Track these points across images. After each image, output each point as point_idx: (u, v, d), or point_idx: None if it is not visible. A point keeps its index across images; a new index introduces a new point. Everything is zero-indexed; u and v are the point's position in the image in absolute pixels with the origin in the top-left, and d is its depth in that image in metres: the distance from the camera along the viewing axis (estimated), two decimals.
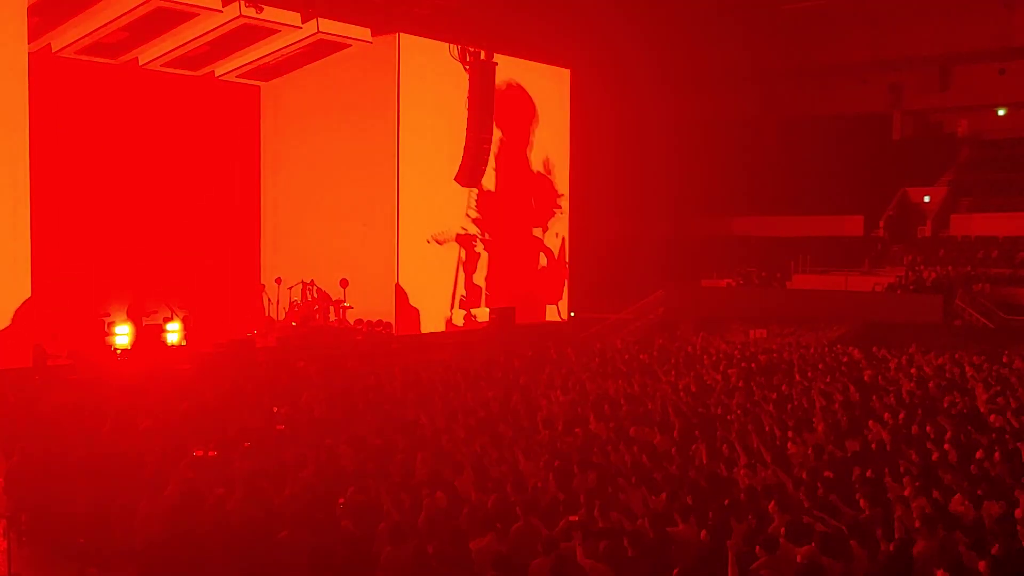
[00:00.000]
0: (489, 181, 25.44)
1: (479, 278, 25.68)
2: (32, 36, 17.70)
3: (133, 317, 19.36)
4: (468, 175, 22.96)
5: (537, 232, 28.01)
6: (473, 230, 25.62)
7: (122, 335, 18.97)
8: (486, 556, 7.24)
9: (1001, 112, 36.73)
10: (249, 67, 23.28)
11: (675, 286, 30.31)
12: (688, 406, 13.58)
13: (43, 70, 18.70)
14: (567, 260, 28.78)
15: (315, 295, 22.16)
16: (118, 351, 18.67)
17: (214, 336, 19.97)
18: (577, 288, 28.86)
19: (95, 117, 20.99)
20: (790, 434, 11.35)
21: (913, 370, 17.64)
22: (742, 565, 6.94)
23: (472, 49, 22.76)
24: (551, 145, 28.12)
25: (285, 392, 14.95)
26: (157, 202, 22.16)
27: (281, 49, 22.52)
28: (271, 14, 20.35)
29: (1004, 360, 19.01)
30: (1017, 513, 8.02)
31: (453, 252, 25.08)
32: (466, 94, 23.37)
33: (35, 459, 10.02)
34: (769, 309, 28.50)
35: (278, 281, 22.26)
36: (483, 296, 25.74)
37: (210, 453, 10.34)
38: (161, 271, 21.48)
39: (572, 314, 28.75)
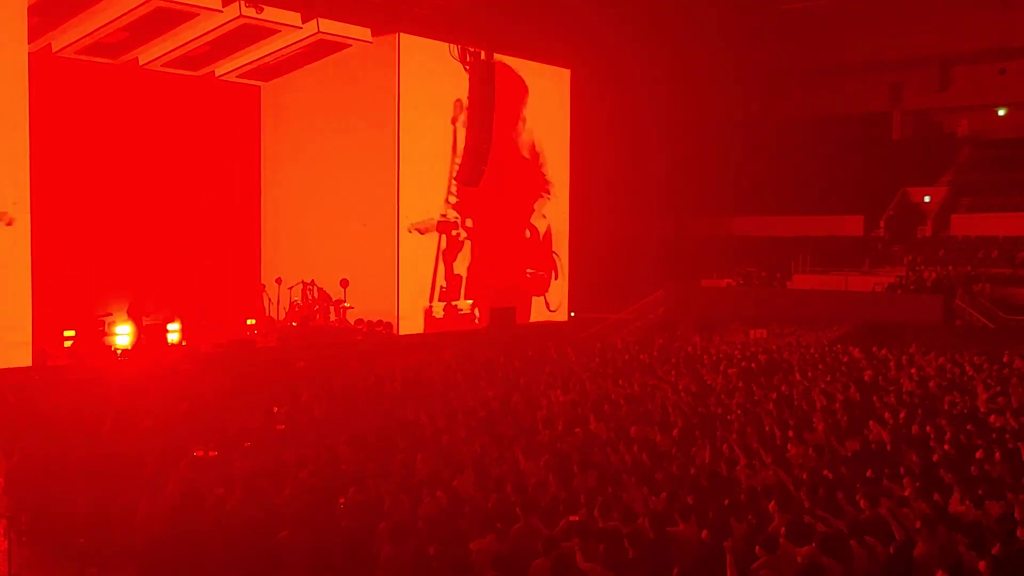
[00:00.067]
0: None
1: (460, 268, 25.16)
2: (32, 36, 17.69)
3: (133, 317, 19.36)
4: (469, 175, 22.95)
5: (524, 220, 27.42)
6: (453, 217, 24.97)
7: (122, 335, 18.97)
8: (486, 556, 7.23)
9: (1001, 112, 36.73)
10: (249, 67, 23.28)
11: (675, 286, 30.32)
12: (688, 406, 13.58)
13: (43, 70, 18.69)
14: (554, 250, 28.22)
15: (315, 295, 22.15)
16: (118, 351, 18.67)
17: (212, 336, 19.97)
18: (577, 288, 28.84)
19: (95, 117, 20.99)
20: (791, 434, 11.35)
21: (913, 370, 17.64)
22: (741, 565, 6.94)
23: (472, 49, 22.76)
24: (551, 145, 28.09)
25: (285, 392, 14.95)
26: (157, 202, 22.15)
27: (281, 49, 22.52)
28: (271, 14, 20.35)
29: (1004, 360, 19.01)
30: (1017, 513, 8.02)
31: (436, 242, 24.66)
32: (466, 94, 23.37)
33: (35, 459, 10.03)
34: (769, 309, 28.51)
35: (278, 281, 22.25)
36: (463, 286, 25.19)
37: (210, 453, 10.35)
38: (161, 271, 21.48)
39: (572, 314, 28.73)
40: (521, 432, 11.82)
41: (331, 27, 21.74)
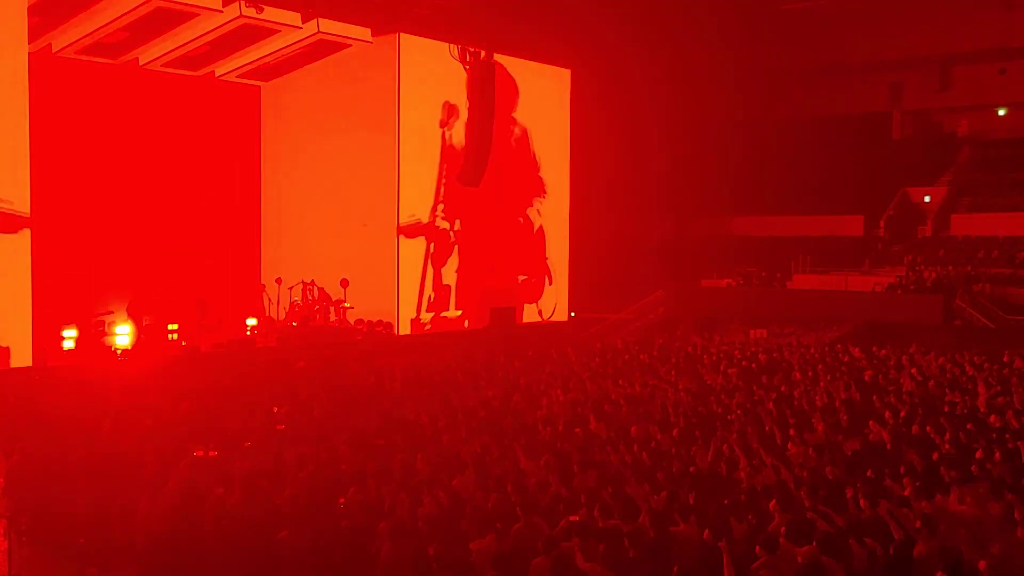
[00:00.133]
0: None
1: (449, 277, 24.81)
2: (32, 36, 17.70)
3: (133, 317, 19.36)
4: (470, 175, 22.95)
5: (517, 224, 27.09)
6: (443, 223, 24.68)
7: (122, 335, 18.97)
8: (486, 556, 7.23)
9: (1001, 112, 36.70)
10: (249, 67, 23.29)
11: (675, 286, 30.31)
12: (688, 406, 13.59)
13: (43, 70, 18.70)
14: (547, 255, 27.98)
15: (315, 295, 22.16)
16: (118, 351, 18.67)
17: (212, 336, 19.97)
18: (577, 288, 28.83)
19: (95, 117, 20.99)
20: (792, 432, 11.35)
21: (913, 370, 17.64)
22: (740, 565, 6.93)
23: (472, 49, 22.76)
24: (551, 145, 28.09)
25: (285, 392, 14.96)
26: (157, 202, 22.16)
27: (281, 49, 22.53)
28: (271, 14, 20.34)
29: (1005, 360, 19.02)
30: (1017, 514, 8.01)
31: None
32: (459, 95, 23.38)
33: (35, 459, 10.03)
34: (769, 309, 28.50)
35: (278, 281, 22.25)
36: (452, 296, 24.85)
37: (210, 453, 10.36)
38: (161, 271, 21.48)
39: (572, 314, 28.72)
40: (521, 432, 11.82)
41: (331, 27, 21.75)
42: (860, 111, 37.29)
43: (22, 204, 16.87)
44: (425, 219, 24.14)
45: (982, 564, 6.75)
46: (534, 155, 27.68)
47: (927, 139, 37.93)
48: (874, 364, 18.90)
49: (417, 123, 23.69)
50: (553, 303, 28.12)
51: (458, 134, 24.46)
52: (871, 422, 12.20)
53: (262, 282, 23.49)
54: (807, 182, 35.04)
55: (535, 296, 27.61)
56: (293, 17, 20.96)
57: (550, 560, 6.86)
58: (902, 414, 12.78)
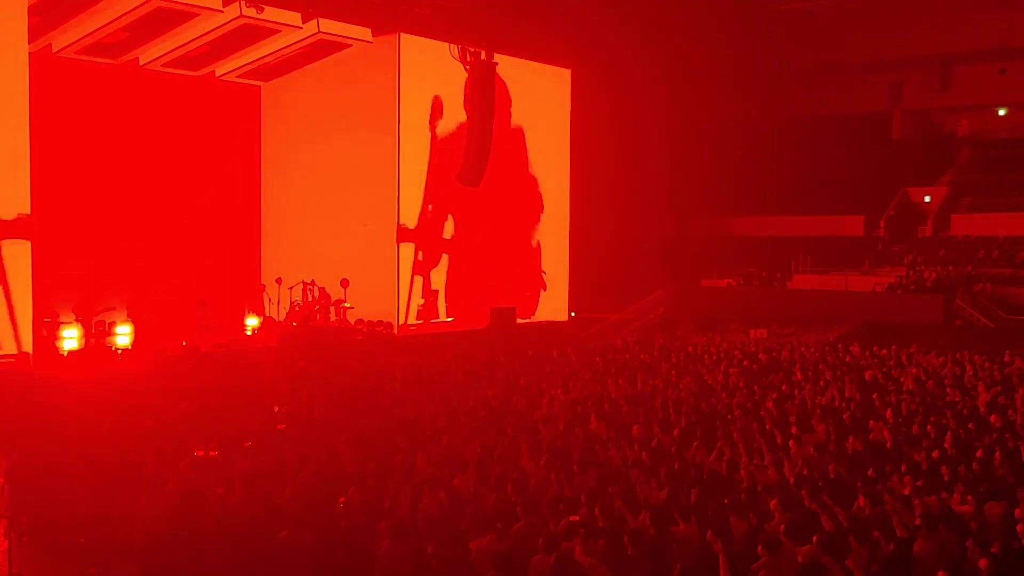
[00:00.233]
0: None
1: (438, 282, 24.52)
2: (32, 36, 17.68)
3: (134, 317, 19.36)
4: (469, 174, 22.95)
5: (514, 235, 26.99)
6: (442, 231, 24.58)
7: (122, 335, 18.96)
8: (486, 556, 7.23)
9: (1001, 112, 36.69)
10: (250, 67, 23.28)
11: (675, 286, 30.31)
12: (689, 405, 13.59)
13: (43, 70, 18.69)
14: (543, 270, 27.88)
15: (315, 295, 22.16)
16: (118, 351, 18.67)
17: (212, 336, 19.96)
18: (577, 288, 28.82)
19: (96, 117, 20.98)
20: (794, 431, 11.35)
21: (914, 369, 17.64)
22: (741, 564, 6.93)
23: (472, 49, 22.75)
24: (551, 145, 28.08)
25: (286, 392, 14.96)
26: (158, 202, 22.14)
27: (281, 49, 22.52)
28: (271, 14, 20.33)
29: (1005, 360, 19.02)
30: (1017, 512, 8.02)
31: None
32: (465, 94, 23.36)
33: (35, 459, 10.03)
34: (769, 309, 28.50)
35: (278, 281, 22.24)
36: (441, 304, 24.53)
37: (211, 453, 10.36)
38: (161, 271, 21.47)
39: (572, 314, 28.72)
40: (522, 431, 11.82)
41: (331, 27, 21.74)
42: (860, 111, 37.28)
43: (23, 204, 16.85)
44: (413, 223, 23.87)
45: (982, 563, 6.75)
46: (535, 167, 27.58)
47: (927, 139, 37.92)
48: (874, 364, 18.90)
49: (417, 123, 23.67)
50: (551, 306, 28.12)
51: (443, 130, 24.33)
52: (872, 421, 12.20)
53: (262, 282, 23.48)
54: (807, 182, 35.03)
55: (531, 311, 27.43)
56: (293, 17, 20.96)
57: (551, 559, 6.86)
58: (903, 413, 12.78)
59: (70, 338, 18.21)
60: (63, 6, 18.94)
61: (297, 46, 22.40)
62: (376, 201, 23.54)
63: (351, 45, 22.89)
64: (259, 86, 24.92)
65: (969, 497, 8.56)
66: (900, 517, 7.77)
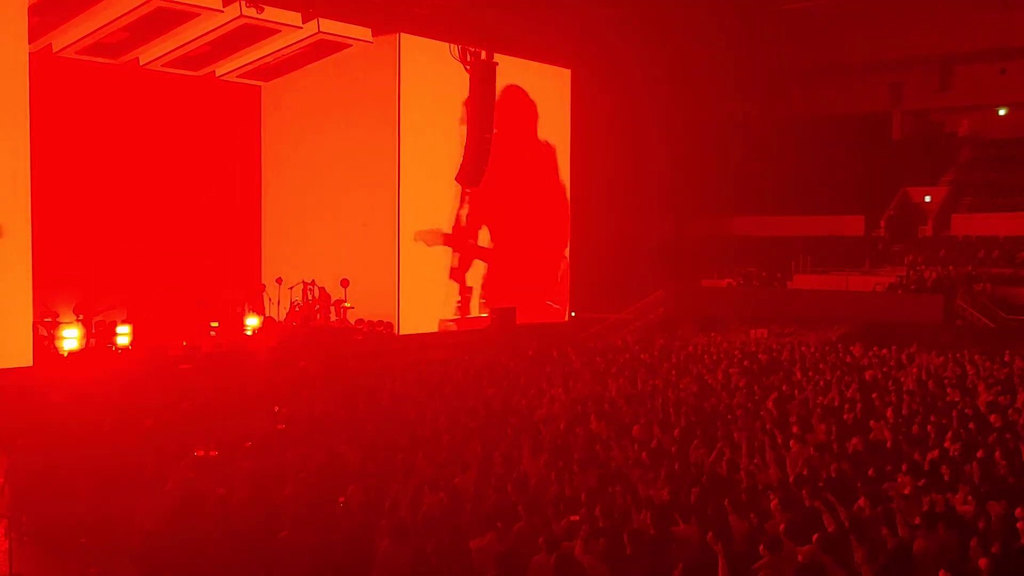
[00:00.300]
0: (489, 184, 24.43)
1: (474, 280, 25.54)
2: (33, 36, 17.69)
3: (133, 317, 19.35)
4: (469, 175, 22.95)
5: (549, 249, 28.05)
6: (475, 236, 25.25)
7: (122, 335, 18.96)
8: (487, 555, 7.23)
9: (1002, 112, 36.68)
10: (250, 67, 23.29)
11: (675, 286, 30.29)
12: (689, 405, 13.58)
13: (44, 70, 18.69)
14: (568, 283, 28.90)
15: (316, 295, 22.16)
16: (118, 351, 18.66)
17: (212, 336, 19.97)
18: (577, 288, 28.81)
19: (96, 117, 20.98)
20: (795, 430, 11.34)
21: (914, 369, 17.64)
22: (741, 564, 6.93)
23: (472, 49, 22.75)
24: (551, 145, 28.11)
25: (286, 392, 14.95)
26: (158, 202, 22.16)
27: (282, 49, 22.53)
28: (272, 14, 20.35)
29: (1006, 359, 19.01)
30: (1018, 512, 8.01)
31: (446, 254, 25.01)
32: (466, 94, 23.36)
33: (35, 459, 10.02)
34: (769, 309, 28.48)
35: (279, 281, 22.24)
36: (475, 297, 25.45)
37: (211, 453, 10.34)
38: (161, 271, 21.47)
39: (572, 314, 28.72)
40: (522, 431, 11.82)
41: (331, 27, 21.75)
42: (860, 111, 37.26)
43: (23, 204, 16.84)
44: (446, 228, 24.83)
45: (982, 562, 6.74)
46: (567, 188, 28.69)
47: (927, 139, 37.91)
48: (875, 364, 18.90)
49: (417, 123, 23.67)
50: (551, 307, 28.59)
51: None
52: (872, 421, 12.20)
53: (262, 282, 23.48)
54: (807, 182, 35.03)
55: (560, 319, 28.65)
56: (293, 17, 20.97)
57: (551, 559, 6.85)
58: (903, 413, 12.78)
59: (70, 338, 18.21)
60: (63, 6, 18.94)
61: (297, 46, 22.41)
62: (376, 201, 23.55)
63: (351, 45, 22.89)
64: (259, 86, 24.92)
65: (970, 497, 8.56)
66: (903, 515, 7.76)
